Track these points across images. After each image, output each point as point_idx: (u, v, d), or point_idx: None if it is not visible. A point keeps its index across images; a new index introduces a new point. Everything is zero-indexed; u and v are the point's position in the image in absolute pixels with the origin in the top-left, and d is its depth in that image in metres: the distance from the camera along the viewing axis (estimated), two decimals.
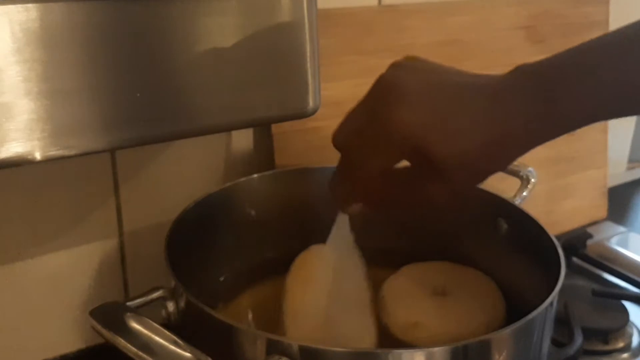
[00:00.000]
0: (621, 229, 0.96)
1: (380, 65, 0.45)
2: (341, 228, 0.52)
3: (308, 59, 0.53)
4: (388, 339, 0.55)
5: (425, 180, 0.43)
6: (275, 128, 0.69)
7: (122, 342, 0.43)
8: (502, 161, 0.43)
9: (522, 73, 0.42)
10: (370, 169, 0.44)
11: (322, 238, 0.54)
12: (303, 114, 0.55)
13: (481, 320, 0.56)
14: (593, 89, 0.41)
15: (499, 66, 0.45)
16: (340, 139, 0.46)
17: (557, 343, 0.63)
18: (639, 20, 0.42)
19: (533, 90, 0.41)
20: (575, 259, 0.85)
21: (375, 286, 0.61)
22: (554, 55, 0.42)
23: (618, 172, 1.09)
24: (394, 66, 0.45)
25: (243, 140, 0.71)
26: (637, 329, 0.71)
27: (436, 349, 0.43)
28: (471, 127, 0.41)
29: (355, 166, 0.45)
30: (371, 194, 0.47)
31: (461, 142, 0.41)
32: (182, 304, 0.48)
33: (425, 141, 0.41)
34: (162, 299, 0.50)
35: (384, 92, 0.43)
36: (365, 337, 0.54)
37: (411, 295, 0.59)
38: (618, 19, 0.91)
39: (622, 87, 0.41)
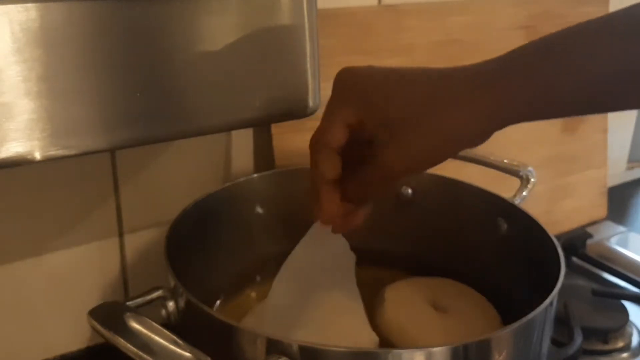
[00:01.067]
0: (621, 228, 0.96)
1: (380, 65, 0.45)
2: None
3: (308, 59, 0.53)
4: (385, 344, 0.55)
5: (382, 149, 0.44)
6: (275, 128, 0.69)
7: (122, 342, 0.43)
8: (449, 137, 0.43)
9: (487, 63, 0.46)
10: (335, 130, 0.45)
11: None
12: (303, 114, 0.55)
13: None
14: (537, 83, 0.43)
15: None
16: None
17: (557, 343, 0.63)
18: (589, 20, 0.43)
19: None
20: (575, 259, 0.85)
21: (374, 286, 0.61)
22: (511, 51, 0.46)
23: (618, 172, 1.09)
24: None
25: (243, 140, 0.71)
26: (637, 328, 0.71)
27: (436, 349, 0.43)
28: (426, 94, 0.43)
29: (321, 134, 0.46)
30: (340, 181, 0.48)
31: (414, 98, 0.43)
32: (182, 304, 0.48)
33: (382, 95, 0.44)
34: (162, 299, 0.50)
35: (349, 71, 0.46)
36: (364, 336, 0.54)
37: (413, 307, 0.59)
38: None
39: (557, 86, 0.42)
